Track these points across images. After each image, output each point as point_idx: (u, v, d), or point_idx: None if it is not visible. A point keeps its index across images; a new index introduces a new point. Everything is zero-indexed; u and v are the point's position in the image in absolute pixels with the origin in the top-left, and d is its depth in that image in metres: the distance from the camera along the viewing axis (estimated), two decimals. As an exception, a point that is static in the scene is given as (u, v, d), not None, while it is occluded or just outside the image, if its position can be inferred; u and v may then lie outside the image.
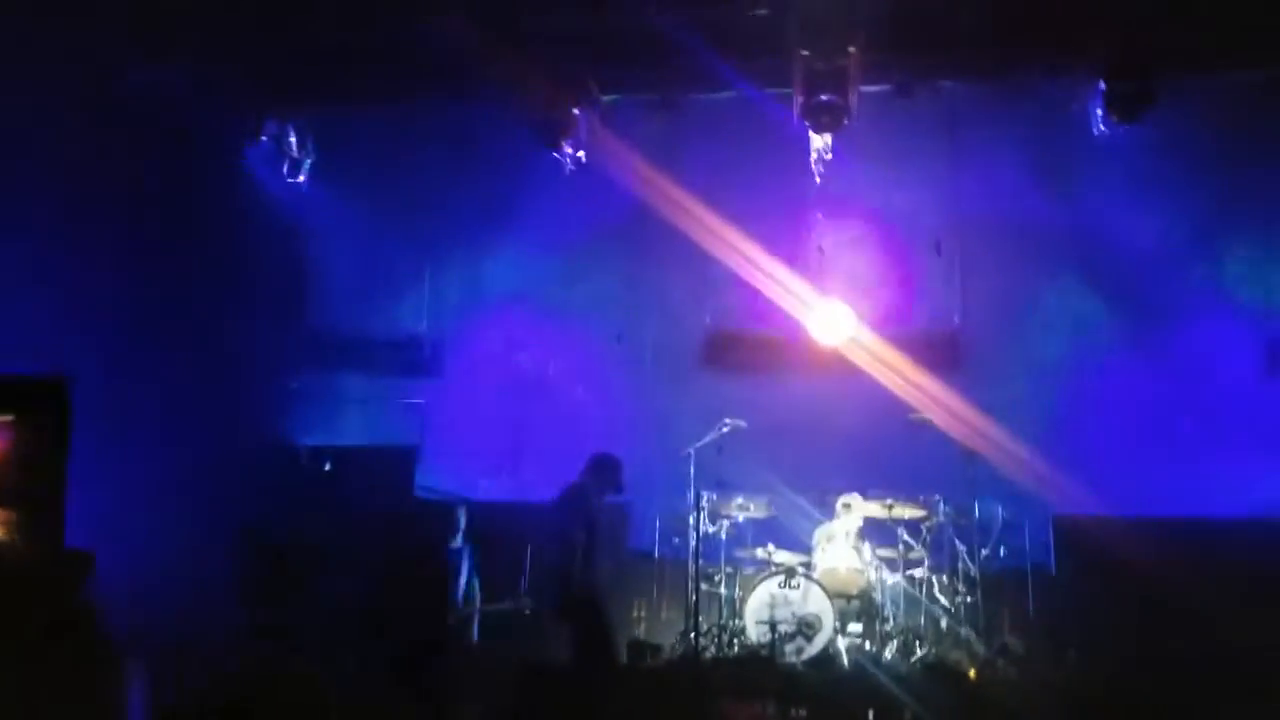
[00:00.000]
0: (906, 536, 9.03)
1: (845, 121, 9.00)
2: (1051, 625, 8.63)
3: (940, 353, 10.15)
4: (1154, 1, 8.45)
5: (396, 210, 10.82)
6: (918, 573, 8.96)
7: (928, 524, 9.04)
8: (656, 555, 9.43)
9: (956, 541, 8.95)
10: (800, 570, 8.79)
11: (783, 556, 9.03)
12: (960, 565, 8.88)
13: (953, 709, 7.26)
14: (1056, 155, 9.94)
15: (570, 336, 10.60)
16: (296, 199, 10.61)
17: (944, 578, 8.94)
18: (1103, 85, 8.87)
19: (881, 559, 9.07)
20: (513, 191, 10.57)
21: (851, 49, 8.58)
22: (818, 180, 9.81)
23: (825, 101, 8.81)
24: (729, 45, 8.90)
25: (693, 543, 8.46)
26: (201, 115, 9.56)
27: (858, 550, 9.01)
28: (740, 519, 9.21)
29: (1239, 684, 7.24)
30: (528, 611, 8.30)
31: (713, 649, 8.72)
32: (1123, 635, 8.11)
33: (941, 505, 9.01)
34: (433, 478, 9.62)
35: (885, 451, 9.38)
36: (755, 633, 8.57)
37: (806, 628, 8.50)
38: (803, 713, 7.34)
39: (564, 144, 9.63)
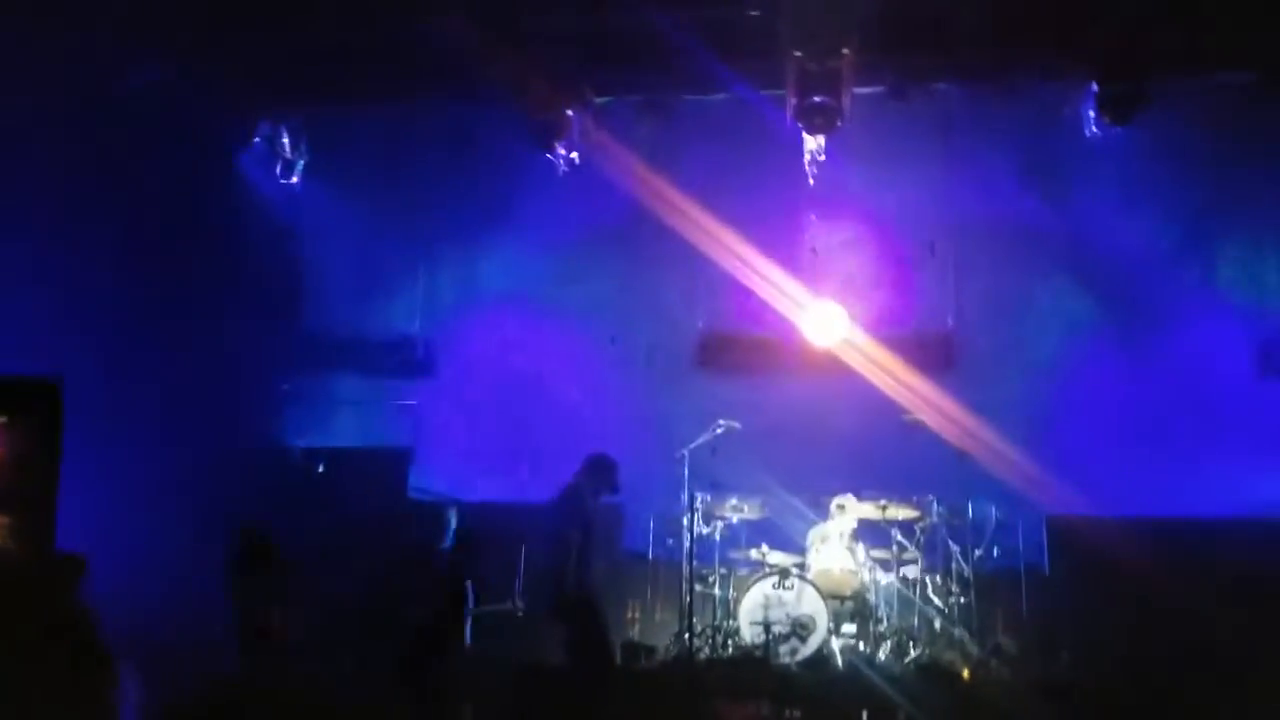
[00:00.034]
0: (900, 537, 9.03)
1: (838, 123, 9.03)
2: (1045, 625, 8.66)
3: (934, 354, 10.18)
4: (1145, 4, 8.47)
5: (390, 211, 10.82)
6: (911, 573, 8.97)
7: (921, 525, 9.04)
8: (651, 556, 9.43)
9: (950, 542, 8.96)
10: (794, 571, 8.79)
11: (777, 557, 9.03)
12: (954, 566, 8.88)
13: (946, 709, 7.28)
14: (1049, 157, 9.98)
15: (564, 338, 10.58)
16: (290, 200, 10.60)
17: (938, 578, 8.94)
18: (1095, 88, 8.92)
19: (875, 560, 9.08)
20: (507, 192, 10.58)
21: (845, 51, 8.59)
22: (811, 182, 9.84)
23: (818, 103, 8.82)
24: (723, 46, 8.91)
25: (687, 544, 8.47)
26: (200, 116, 9.56)
27: (852, 551, 9.02)
28: (734, 520, 9.21)
29: (1231, 683, 7.27)
30: (519, 613, 8.30)
31: (707, 650, 8.72)
32: (1116, 635, 8.15)
33: (935, 506, 9.01)
34: (426, 479, 9.62)
35: (879, 452, 9.39)
36: (749, 634, 8.57)
37: (801, 629, 8.50)
38: (797, 713, 7.36)
39: (557, 146, 9.65)
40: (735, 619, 8.78)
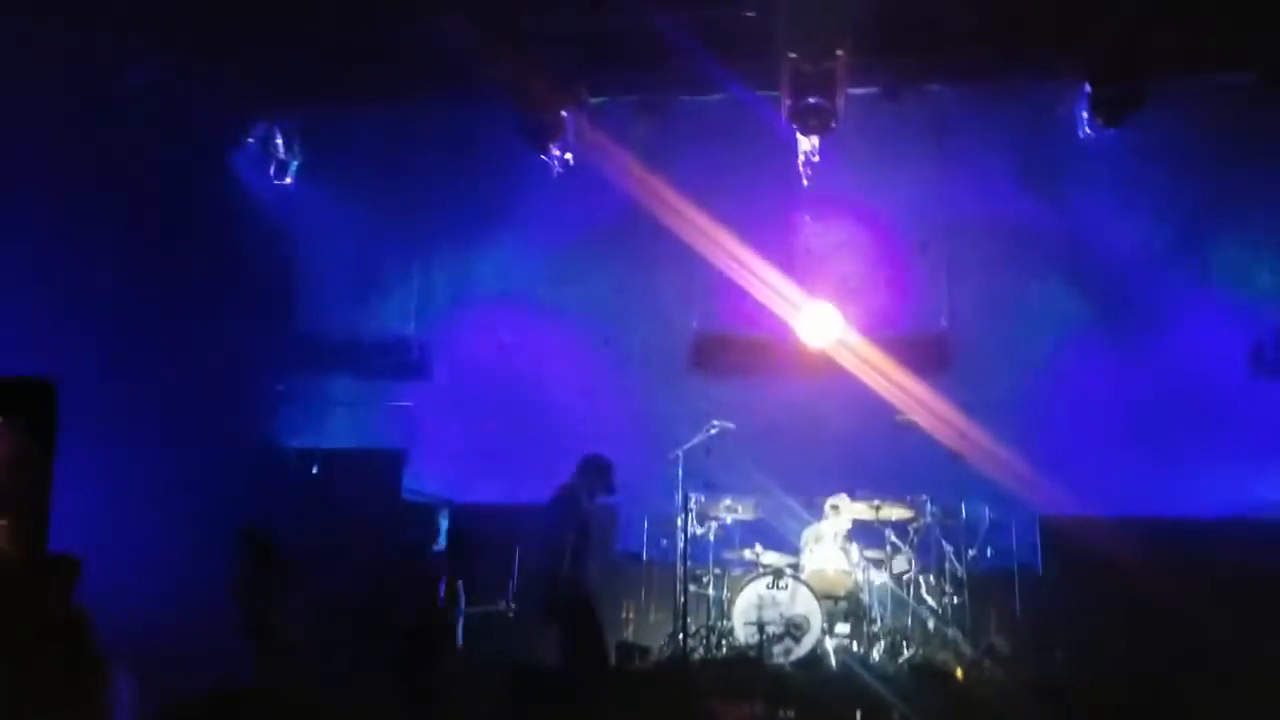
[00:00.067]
0: (894, 537, 9.06)
1: (833, 124, 9.04)
2: (1038, 625, 8.68)
3: (927, 354, 10.19)
4: (1139, 5, 8.49)
5: (385, 212, 10.82)
6: (904, 572, 8.99)
7: (915, 525, 9.07)
8: (645, 557, 9.45)
9: (943, 542, 8.98)
10: (788, 571, 8.81)
11: (771, 558, 9.04)
12: (947, 566, 8.90)
13: (940, 709, 7.29)
14: (1043, 158, 9.99)
15: (559, 338, 10.59)
16: (285, 200, 10.59)
17: (931, 578, 8.96)
18: (1089, 89, 8.93)
19: (869, 560, 9.09)
20: (502, 193, 10.58)
21: (839, 52, 8.60)
22: (806, 183, 9.83)
23: (813, 104, 8.84)
24: (718, 47, 8.90)
25: (681, 544, 8.46)
26: (199, 116, 9.55)
27: (845, 551, 9.03)
28: (728, 520, 9.23)
29: (1225, 683, 7.28)
30: (511, 614, 8.30)
31: (701, 650, 8.73)
32: (1109, 635, 8.16)
33: (928, 506, 9.03)
34: (421, 480, 9.61)
35: (873, 453, 9.41)
36: (743, 634, 8.59)
37: (794, 629, 8.52)
38: (790, 713, 7.35)
39: (551, 147, 9.64)
40: (729, 619, 8.80)
